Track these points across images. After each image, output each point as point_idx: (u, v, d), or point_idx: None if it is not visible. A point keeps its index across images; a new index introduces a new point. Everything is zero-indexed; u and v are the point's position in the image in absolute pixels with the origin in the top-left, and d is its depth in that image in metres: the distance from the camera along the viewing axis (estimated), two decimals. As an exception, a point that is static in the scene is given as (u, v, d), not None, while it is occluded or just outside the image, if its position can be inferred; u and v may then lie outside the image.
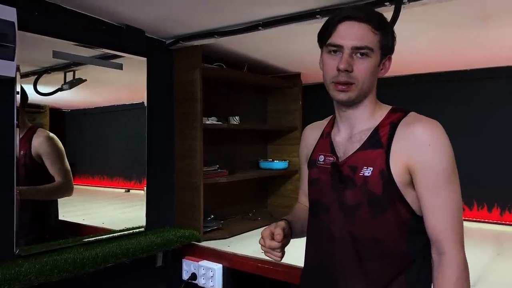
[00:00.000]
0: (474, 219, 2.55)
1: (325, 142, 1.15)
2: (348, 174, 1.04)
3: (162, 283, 2.07)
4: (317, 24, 1.64)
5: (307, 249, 1.17)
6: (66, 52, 1.69)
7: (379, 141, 1.02)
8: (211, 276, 1.91)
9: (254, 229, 2.34)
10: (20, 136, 1.68)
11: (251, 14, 1.69)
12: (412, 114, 1.05)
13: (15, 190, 1.51)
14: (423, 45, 2.04)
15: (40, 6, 1.57)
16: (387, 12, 1.43)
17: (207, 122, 2.21)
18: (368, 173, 1.01)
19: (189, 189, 2.10)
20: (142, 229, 1.97)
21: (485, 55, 2.23)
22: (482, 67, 2.44)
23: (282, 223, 1.15)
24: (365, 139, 1.05)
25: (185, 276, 2.01)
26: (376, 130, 1.04)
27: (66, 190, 1.84)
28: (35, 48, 1.61)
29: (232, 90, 2.61)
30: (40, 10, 1.56)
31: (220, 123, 2.32)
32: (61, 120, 1.85)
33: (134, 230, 1.94)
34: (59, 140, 1.80)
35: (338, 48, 1.01)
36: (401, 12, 1.42)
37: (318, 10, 1.57)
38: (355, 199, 1.03)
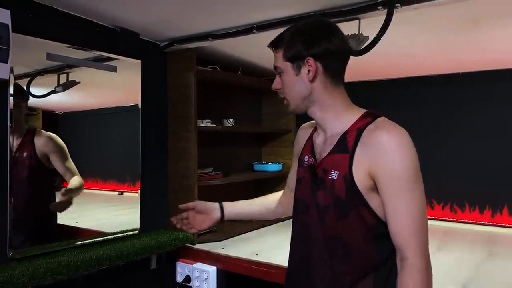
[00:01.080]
0: (466, 220, 2.57)
1: (309, 143, 1.21)
2: (321, 176, 1.10)
3: (156, 285, 2.07)
4: (311, 28, 1.66)
5: (291, 246, 1.22)
6: (60, 54, 1.69)
7: (346, 146, 1.06)
8: (205, 279, 1.91)
9: (248, 232, 2.35)
10: (22, 138, 1.69)
11: (246, 17, 1.70)
12: (379, 120, 1.06)
13: (8, 193, 1.50)
14: (415, 48, 2.07)
15: (34, 8, 1.56)
16: (380, 16, 1.46)
17: (201, 125, 2.21)
18: (335, 176, 1.05)
19: (183, 191, 2.10)
20: (136, 231, 1.97)
21: (476, 58, 2.26)
22: (473, 70, 2.48)
23: (192, 203, 1.47)
24: (334, 143, 1.09)
25: (179, 278, 2.01)
26: (345, 135, 1.08)
27: (82, 185, 1.89)
28: (29, 50, 1.61)
29: (226, 92, 2.61)
30: (34, 12, 1.56)
31: (214, 125, 2.33)
32: (54, 122, 1.84)
33: (128, 233, 1.94)
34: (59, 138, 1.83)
35: None
36: (393, 16, 1.44)
37: (312, 13, 1.59)
38: (325, 200, 1.08)
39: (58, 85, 1.77)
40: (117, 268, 1.70)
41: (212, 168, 2.34)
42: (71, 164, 1.85)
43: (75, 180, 1.85)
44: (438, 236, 2.42)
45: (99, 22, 1.80)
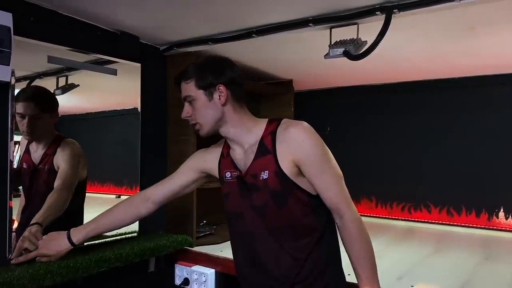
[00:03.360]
0: (463, 224, 2.59)
1: (227, 161, 1.37)
2: (251, 181, 1.28)
3: (155, 288, 2.07)
4: (310, 32, 1.69)
5: (234, 256, 1.40)
6: (61, 57, 1.70)
7: (267, 149, 1.26)
8: (204, 281, 1.91)
9: (247, 234, 2.34)
10: (45, 149, 1.71)
11: (245, 21, 1.72)
12: (284, 121, 1.29)
13: (8, 196, 1.50)
14: (413, 53, 2.09)
15: (36, 11, 1.57)
16: (378, 21, 1.48)
17: (200, 128, 2.22)
18: (266, 176, 1.24)
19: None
20: (135, 234, 1.97)
21: (473, 64, 2.28)
22: (470, 75, 2.50)
23: (32, 253, 1.44)
24: (255, 150, 1.28)
25: (178, 281, 2.01)
26: (262, 141, 1.28)
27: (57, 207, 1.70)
28: (30, 53, 1.62)
29: (225, 96, 2.62)
30: (36, 15, 1.57)
31: (213, 129, 2.33)
32: (52, 125, 1.84)
33: (127, 235, 1.94)
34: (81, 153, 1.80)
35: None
36: (391, 22, 1.46)
37: (311, 18, 1.60)
38: (261, 199, 1.26)
39: (57, 88, 1.78)
40: (116, 270, 1.69)
41: (210, 171, 2.35)
42: (67, 180, 1.70)
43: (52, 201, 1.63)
44: (435, 239, 2.44)
45: (100, 26, 1.81)
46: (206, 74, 1.29)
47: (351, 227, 1.23)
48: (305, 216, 1.26)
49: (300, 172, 1.24)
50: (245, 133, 1.31)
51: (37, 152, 1.72)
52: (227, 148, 1.40)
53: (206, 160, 1.46)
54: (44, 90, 1.72)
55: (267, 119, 1.33)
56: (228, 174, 1.35)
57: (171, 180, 1.54)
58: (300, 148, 1.22)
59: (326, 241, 1.29)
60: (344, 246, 1.26)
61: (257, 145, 1.29)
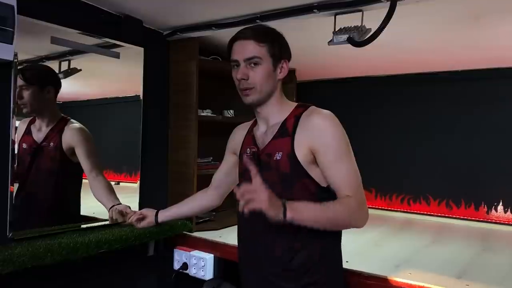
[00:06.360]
0: (462, 217, 2.60)
1: (250, 137, 1.41)
2: (265, 160, 1.30)
3: (154, 272, 2.08)
4: (314, 19, 1.68)
5: (239, 233, 1.44)
6: (64, 38, 1.69)
7: (287, 131, 1.28)
8: (203, 266, 1.93)
9: (246, 222, 2.35)
10: (51, 127, 1.72)
11: (250, 7, 1.71)
12: (311, 108, 1.30)
13: (9, 175, 1.51)
14: (416, 43, 2.08)
15: (40, -9, 1.57)
16: (383, 9, 1.47)
17: (202, 114, 2.23)
18: (279, 157, 1.26)
19: (183, 180, 2.11)
20: (135, 217, 1.98)
21: (477, 56, 2.27)
22: (474, 68, 2.47)
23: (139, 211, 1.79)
24: (276, 131, 1.30)
25: (177, 265, 2.02)
26: (284, 122, 1.30)
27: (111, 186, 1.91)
28: (33, 33, 1.61)
29: (227, 83, 2.58)
30: (39, -5, 1.57)
31: (214, 115, 2.34)
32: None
33: (127, 219, 1.95)
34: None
35: (236, 63, 1.29)
36: (396, 9, 1.45)
37: (316, 4, 1.59)
38: (270, 178, 1.23)
39: (60, 72, 1.77)
40: (116, 253, 1.71)
41: (211, 158, 2.36)
42: (96, 161, 1.81)
43: (107, 186, 1.86)
44: (433, 230, 2.45)
45: (104, 9, 1.81)
46: (278, 45, 1.29)
47: (351, 201, 1.21)
48: None
49: (314, 161, 1.24)
50: (275, 112, 1.33)
51: (41, 131, 1.72)
52: (254, 125, 1.43)
53: (235, 140, 1.51)
54: (32, 64, 1.68)
55: (296, 103, 1.35)
56: (248, 150, 1.38)
57: (220, 168, 1.65)
58: (320, 135, 1.22)
59: (325, 237, 1.27)
60: None
61: (279, 126, 1.30)
